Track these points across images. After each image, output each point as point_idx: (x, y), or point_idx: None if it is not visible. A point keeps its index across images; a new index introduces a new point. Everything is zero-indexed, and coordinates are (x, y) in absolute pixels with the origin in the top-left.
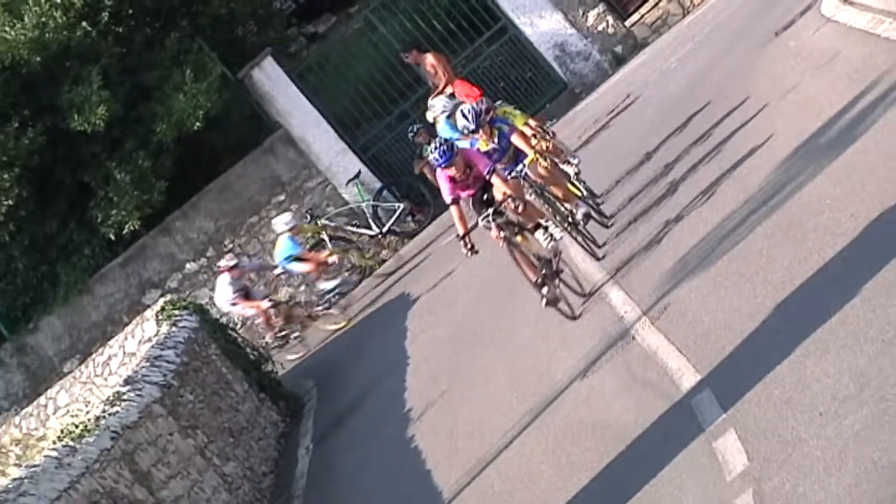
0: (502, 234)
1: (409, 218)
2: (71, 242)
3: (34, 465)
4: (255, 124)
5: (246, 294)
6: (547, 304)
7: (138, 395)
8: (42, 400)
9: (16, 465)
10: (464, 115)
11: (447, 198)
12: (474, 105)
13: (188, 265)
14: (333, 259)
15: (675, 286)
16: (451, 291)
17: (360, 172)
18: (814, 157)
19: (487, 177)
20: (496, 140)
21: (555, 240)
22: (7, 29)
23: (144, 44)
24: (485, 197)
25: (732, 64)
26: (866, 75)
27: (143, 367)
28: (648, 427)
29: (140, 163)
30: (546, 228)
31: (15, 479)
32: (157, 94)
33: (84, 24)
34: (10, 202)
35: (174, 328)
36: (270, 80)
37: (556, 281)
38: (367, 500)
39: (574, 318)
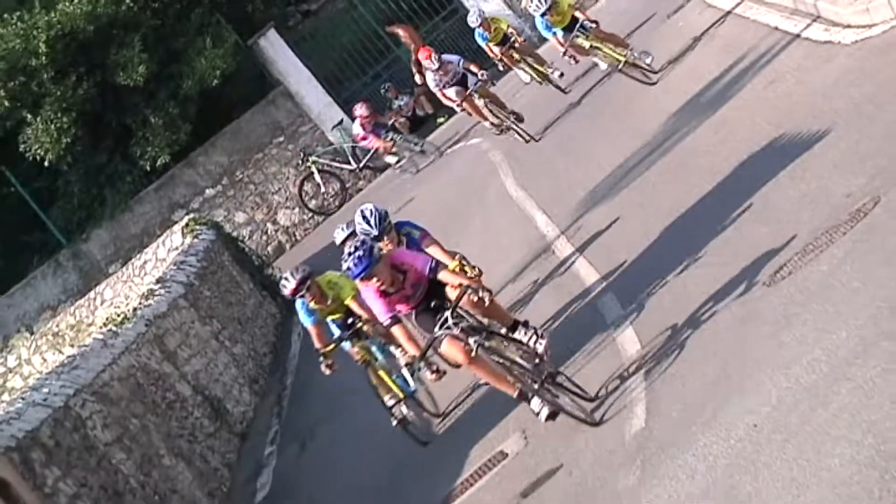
0: (472, 342)
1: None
2: (116, 172)
3: (85, 345)
4: (260, 82)
5: (460, 82)
6: (547, 419)
7: (167, 291)
8: (91, 294)
9: (70, 345)
10: (364, 218)
11: (383, 319)
12: (376, 206)
13: (207, 191)
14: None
15: (586, 212)
16: (412, 215)
17: (342, 120)
18: (696, 112)
19: (430, 275)
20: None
21: (539, 336)
22: (67, 4)
23: (175, 17)
24: (432, 304)
25: (634, 40)
26: (737, 49)
27: (171, 269)
28: (563, 321)
29: (170, 110)
30: (526, 324)
31: (69, 356)
32: (184, 56)
33: (128, 0)
34: (69, 139)
35: (196, 240)
36: (273, 47)
37: (551, 385)
38: (345, 373)
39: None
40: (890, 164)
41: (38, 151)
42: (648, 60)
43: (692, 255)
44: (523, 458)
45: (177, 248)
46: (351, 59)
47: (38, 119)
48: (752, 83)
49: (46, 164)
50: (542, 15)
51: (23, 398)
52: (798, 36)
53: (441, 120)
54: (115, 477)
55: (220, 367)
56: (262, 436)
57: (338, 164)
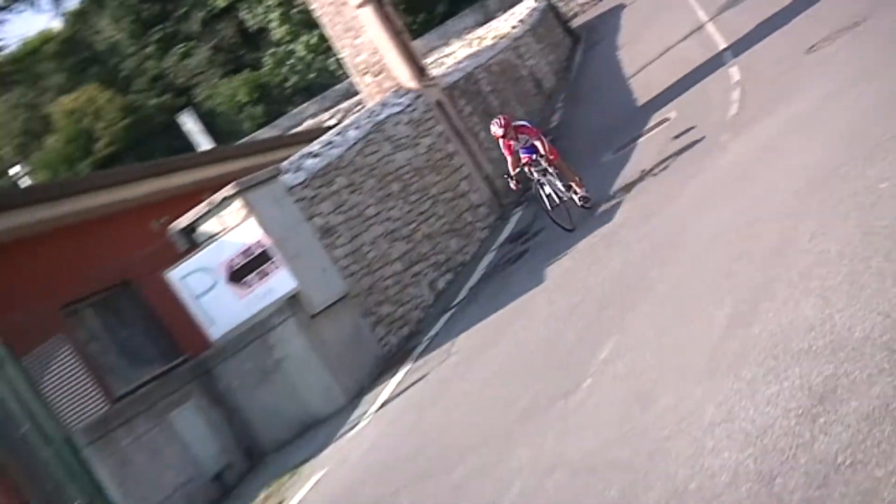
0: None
1: None
2: None
3: (482, 48)
4: None
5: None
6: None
7: (522, 25)
8: (488, 25)
9: (476, 45)
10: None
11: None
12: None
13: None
14: None
15: (720, 11)
16: (631, 9)
17: None
18: None
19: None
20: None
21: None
22: None
23: None
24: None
25: None
26: None
27: (526, 16)
28: (704, 62)
29: None
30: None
31: (475, 51)
32: None
33: None
34: None
35: (538, 4)
36: None
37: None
38: (600, 72)
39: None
40: (869, 4)
41: None
42: None
43: (770, 36)
44: (677, 121)
45: (529, 7)
46: None
47: None
48: None
49: None
50: None
51: (453, 66)
52: None
53: None
54: (490, 107)
55: (542, 64)
56: (557, 95)
57: None
